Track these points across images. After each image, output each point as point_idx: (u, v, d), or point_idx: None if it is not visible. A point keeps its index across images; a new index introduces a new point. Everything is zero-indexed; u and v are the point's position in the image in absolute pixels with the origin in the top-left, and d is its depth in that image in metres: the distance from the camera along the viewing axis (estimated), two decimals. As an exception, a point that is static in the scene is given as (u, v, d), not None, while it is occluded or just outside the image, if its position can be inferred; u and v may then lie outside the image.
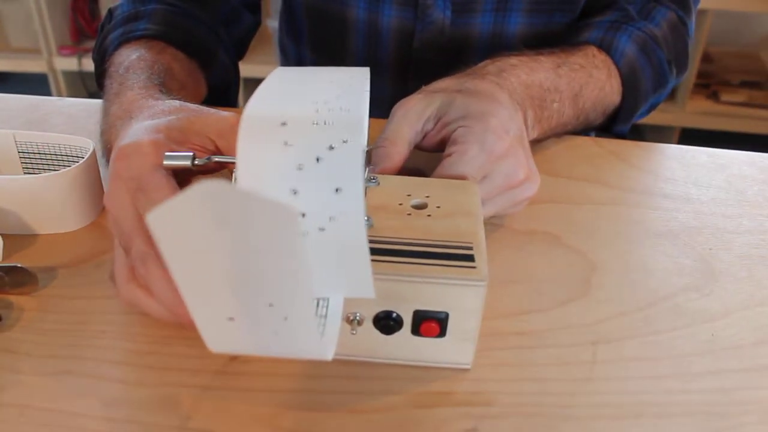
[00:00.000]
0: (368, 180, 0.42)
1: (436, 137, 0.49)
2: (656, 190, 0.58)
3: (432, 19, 0.70)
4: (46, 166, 0.53)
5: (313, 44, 0.79)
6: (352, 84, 0.34)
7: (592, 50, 0.64)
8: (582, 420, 0.37)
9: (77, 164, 0.49)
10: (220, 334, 0.29)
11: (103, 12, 2.33)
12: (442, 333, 0.37)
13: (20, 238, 0.49)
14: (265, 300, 0.27)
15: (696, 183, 0.59)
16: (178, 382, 0.38)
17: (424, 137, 0.50)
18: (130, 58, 0.56)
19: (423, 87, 0.52)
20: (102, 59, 0.63)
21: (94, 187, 0.51)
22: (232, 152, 0.40)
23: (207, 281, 0.27)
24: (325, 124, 0.29)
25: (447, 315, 0.37)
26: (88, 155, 0.50)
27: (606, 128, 0.69)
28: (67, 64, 2.35)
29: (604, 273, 0.48)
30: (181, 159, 0.37)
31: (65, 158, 0.52)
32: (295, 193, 0.29)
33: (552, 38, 0.72)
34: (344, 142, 0.28)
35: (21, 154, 0.53)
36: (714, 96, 2.13)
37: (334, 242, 0.29)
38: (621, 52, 0.64)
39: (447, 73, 0.80)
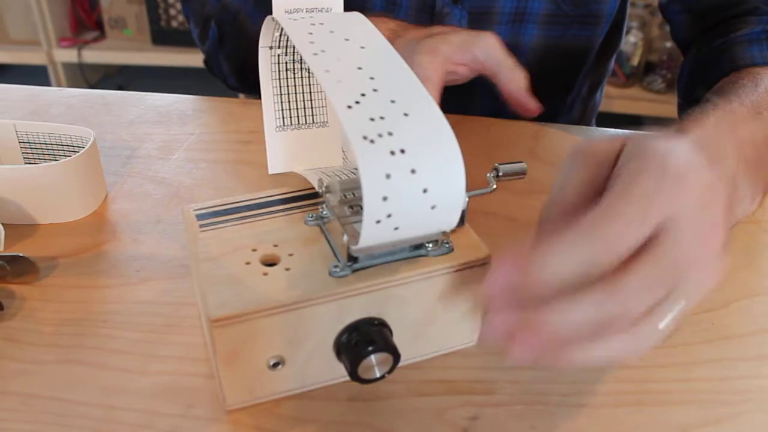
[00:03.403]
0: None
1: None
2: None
3: None
4: (46, 156, 0.53)
5: None
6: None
7: None
8: (583, 408, 0.37)
9: (78, 154, 0.49)
10: None
11: (104, 4, 2.32)
12: None
13: (21, 228, 0.49)
14: None
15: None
16: (179, 371, 0.38)
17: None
18: None
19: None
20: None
21: (95, 177, 0.51)
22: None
23: None
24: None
25: None
26: (88, 145, 0.50)
27: None
28: (67, 55, 2.35)
29: (605, 263, 0.48)
30: None
31: (66, 148, 0.52)
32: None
33: (566, 51, 0.72)
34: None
35: (22, 144, 0.53)
36: (715, 88, 2.13)
37: None
38: None
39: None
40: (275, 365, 0.34)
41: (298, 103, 0.42)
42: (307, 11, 0.40)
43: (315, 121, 0.43)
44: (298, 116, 0.42)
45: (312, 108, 0.43)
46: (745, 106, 0.46)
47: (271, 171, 0.43)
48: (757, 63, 0.55)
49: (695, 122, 0.41)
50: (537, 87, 0.75)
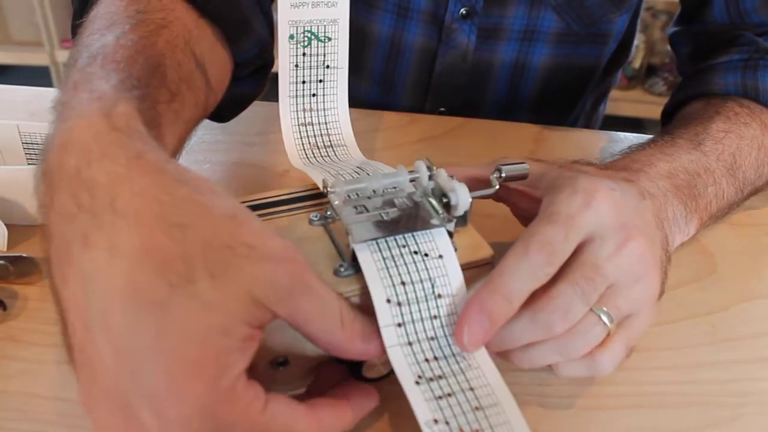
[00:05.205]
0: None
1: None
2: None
3: (455, 43, 0.68)
4: (49, 157, 0.53)
5: None
6: None
7: (732, 108, 0.53)
8: (581, 410, 0.37)
9: (81, 155, 0.49)
10: None
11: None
12: None
13: (25, 228, 0.49)
14: None
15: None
16: (181, 371, 0.38)
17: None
18: (106, 38, 0.37)
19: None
20: (84, 3, 0.45)
21: (98, 178, 0.52)
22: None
23: None
24: None
25: None
26: (91, 146, 0.50)
27: None
28: (70, 56, 2.35)
29: (605, 265, 0.48)
30: None
31: (69, 149, 0.53)
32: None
33: (574, 69, 0.71)
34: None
35: (25, 145, 0.53)
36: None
37: None
38: None
39: (466, 97, 0.74)
40: (279, 364, 0.34)
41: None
42: (312, 5, 0.40)
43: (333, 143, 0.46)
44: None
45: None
46: (687, 141, 0.49)
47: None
48: (727, 91, 0.55)
49: (629, 155, 0.46)
50: (542, 104, 0.74)
